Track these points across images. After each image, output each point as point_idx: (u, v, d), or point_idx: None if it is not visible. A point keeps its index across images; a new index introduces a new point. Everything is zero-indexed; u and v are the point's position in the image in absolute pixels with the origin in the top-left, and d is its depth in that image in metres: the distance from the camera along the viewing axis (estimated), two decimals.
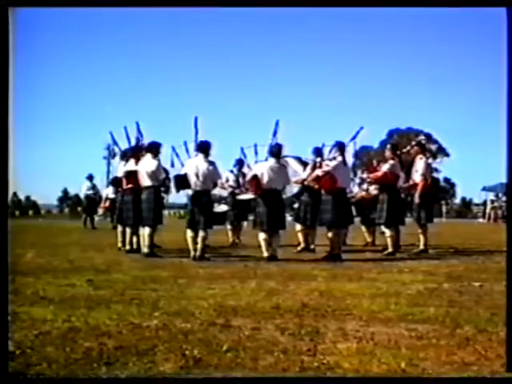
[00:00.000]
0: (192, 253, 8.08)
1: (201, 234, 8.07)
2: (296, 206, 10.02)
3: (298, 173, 9.15)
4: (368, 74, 71.19)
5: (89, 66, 75.16)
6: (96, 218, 19.85)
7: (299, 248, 9.49)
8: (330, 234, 8.23)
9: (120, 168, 9.86)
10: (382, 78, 70.56)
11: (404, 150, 9.89)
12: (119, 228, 9.82)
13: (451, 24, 62.44)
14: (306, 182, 9.04)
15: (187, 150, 8.81)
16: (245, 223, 11.80)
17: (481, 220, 31.75)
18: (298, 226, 9.70)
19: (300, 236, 9.65)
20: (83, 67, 73.58)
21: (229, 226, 11.01)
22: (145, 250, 8.52)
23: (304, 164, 9.39)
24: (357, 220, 10.56)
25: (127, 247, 9.28)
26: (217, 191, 10.31)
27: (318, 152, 9.29)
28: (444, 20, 55.45)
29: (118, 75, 74.14)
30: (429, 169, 9.75)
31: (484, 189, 34.81)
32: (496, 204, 29.82)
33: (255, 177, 8.24)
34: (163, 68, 73.77)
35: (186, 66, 72.83)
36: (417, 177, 9.33)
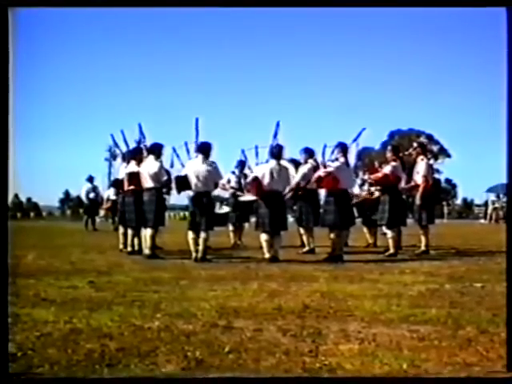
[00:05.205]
0: (193, 254, 8.07)
1: (202, 235, 8.07)
2: (295, 207, 10.04)
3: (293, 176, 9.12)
4: (369, 75, 71.13)
5: (89, 66, 75.18)
6: (97, 220, 19.87)
7: (305, 249, 9.52)
8: (332, 235, 8.23)
9: (121, 170, 9.86)
10: (383, 78, 70.49)
11: (406, 153, 9.89)
12: (121, 229, 9.82)
13: (451, 24, 62.42)
14: (302, 185, 9.06)
15: (188, 151, 8.80)
16: (246, 224, 11.82)
17: (482, 221, 31.71)
18: (302, 229, 9.75)
19: (305, 238, 9.68)
20: (83, 68, 73.99)
21: (230, 228, 11.02)
22: (146, 251, 8.52)
23: (297, 165, 9.42)
24: (358, 221, 10.57)
25: (129, 249, 9.28)
26: (218, 192, 10.32)
27: (308, 152, 9.32)
28: (444, 20, 55.46)
29: (118, 76, 74.23)
30: (430, 170, 9.75)
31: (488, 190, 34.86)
32: (497, 205, 29.77)
33: (256, 179, 8.24)
34: (164, 69, 73.82)
35: (186, 67, 72.78)
36: (418, 178, 9.34)
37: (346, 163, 8.30)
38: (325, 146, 8.96)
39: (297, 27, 64.15)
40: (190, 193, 8.38)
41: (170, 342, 3.33)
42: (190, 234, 8.21)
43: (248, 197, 9.65)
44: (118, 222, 10.09)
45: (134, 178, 8.91)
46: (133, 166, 9.10)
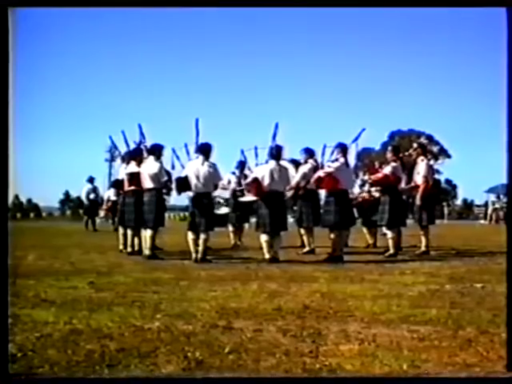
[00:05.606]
0: (193, 255, 8.07)
1: (202, 236, 8.06)
2: (295, 208, 10.05)
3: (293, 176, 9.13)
4: (369, 76, 71.20)
5: (89, 66, 75.31)
6: (97, 221, 19.86)
7: (305, 250, 9.52)
8: (332, 236, 8.23)
9: (121, 170, 9.86)
10: (383, 79, 70.50)
11: (406, 154, 9.89)
12: (121, 230, 9.81)
13: (451, 24, 62.54)
14: (302, 185, 9.07)
15: (188, 152, 8.78)
16: (246, 225, 11.81)
17: (482, 221, 31.68)
18: (302, 229, 9.76)
19: (305, 238, 9.69)
20: (83, 68, 74.03)
21: (230, 228, 11.01)
22: (146, 252, 8.52)
23: (297, 165, 9.42)
24: (358, 222, 10.56)
25: (129, 249, 9.28)
26: (218, 193, 10.31)
27: (308, 152, 9.33)
28: (444, 20, 55.54)
29: (118, 76, 74.34)
30: (430, 170, 9.74)
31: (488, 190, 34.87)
32: (497, 205, 29.74)
33: (256, 180, 8.24)
34: (164, 69, 73.91)
35: (186, 68, 72.95)
36: (418, 179, 9.33)
37: (346, 164, 8.29)
38: (324, 147, 8.99)
39: (297, 27, 64.34)
40: (190, 193, 8.38)
41: (170, 343, 3.33)
42: (190, 235, 8.20)
43: (248, 197, 9.64)
44: (118, 223, 10.09)
45: (135, 178, 8.91)
46: (133, 167, 9.10)
